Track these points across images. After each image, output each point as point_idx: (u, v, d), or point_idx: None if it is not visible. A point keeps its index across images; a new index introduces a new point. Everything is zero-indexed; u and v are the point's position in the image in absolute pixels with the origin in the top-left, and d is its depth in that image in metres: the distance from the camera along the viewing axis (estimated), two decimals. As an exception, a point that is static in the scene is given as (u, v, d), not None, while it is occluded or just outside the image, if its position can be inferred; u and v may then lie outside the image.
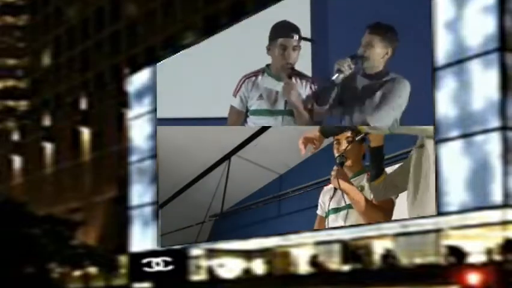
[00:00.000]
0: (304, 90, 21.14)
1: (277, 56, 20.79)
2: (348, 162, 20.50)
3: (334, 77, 20.54)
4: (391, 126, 20.39)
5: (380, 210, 20.58)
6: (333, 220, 21.58)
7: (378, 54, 20.42)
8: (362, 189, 20.54)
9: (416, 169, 19.96)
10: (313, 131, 20.37)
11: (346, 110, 21.11)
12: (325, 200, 21.65)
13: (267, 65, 21.27)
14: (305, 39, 20.92)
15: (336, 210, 21.30)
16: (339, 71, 20.42)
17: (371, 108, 20.80)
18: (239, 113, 21.51)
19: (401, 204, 20.89)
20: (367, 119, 20.80)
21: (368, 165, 20.62)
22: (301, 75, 21.14)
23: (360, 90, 20.84)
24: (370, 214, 20.60)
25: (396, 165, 20.82)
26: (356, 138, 20.16)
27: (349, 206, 20.94)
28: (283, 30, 20.77)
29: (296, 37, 20.72)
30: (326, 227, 22.12)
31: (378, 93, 20.73)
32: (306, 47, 21.20)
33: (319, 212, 21.93)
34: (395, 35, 20.49)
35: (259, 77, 21.32)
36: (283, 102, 21.11)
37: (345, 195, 20.74)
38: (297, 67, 21.00)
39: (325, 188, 21.73)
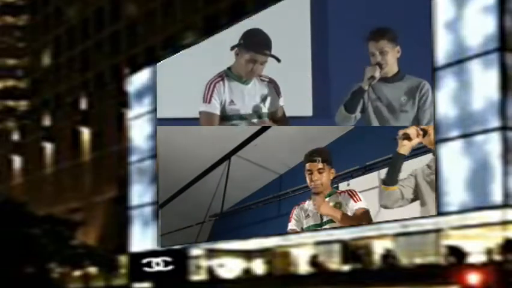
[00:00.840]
0: (266, 91, 21.42)
1: (244, 65, 21.00)
2: (322, 188, 21.29)
3: (363, 83, 20.85)
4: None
5: (359, 220, 21.34)
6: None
7: (391, 57, 20.82)
8: (340, 205, 21.33)
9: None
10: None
11: (373, 116, 21.35)
12: (301, 216, 22.24)
13: (229, 68, 21.40)
14: (274, 57, 21.07)
15: (317, 225, 21.93)
16: (372, 77, 20.74)
17: (397, 112, 21.06)
18: (214, 117, 21.55)
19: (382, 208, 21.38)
20: (393, 123, 21.03)
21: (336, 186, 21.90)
22: (260, 77, 21.42)
23: (385, 95, 21.10)
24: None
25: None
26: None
27: (329, 221, 21.64)
28: (257, 44, 20.90)
29: (268, 53, 20.93)
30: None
31: (404, 97, 21.00)
32: (273, 62, 21.31)
33: (293, 226, 22.43)
34: (395, 34, 20.83)
35: (226, 81, 21.46)
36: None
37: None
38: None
39: (298, 206, 22.29)
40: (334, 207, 21.27)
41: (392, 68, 21.02)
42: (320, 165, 21.13)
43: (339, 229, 24.50)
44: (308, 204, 22.02)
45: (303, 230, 22.35)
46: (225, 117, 21.48)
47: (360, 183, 23.45)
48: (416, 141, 19.96)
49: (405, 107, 21.12)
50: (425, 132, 20.22)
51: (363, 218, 21.27)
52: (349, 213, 21.14)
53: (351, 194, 21.37)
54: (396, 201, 20.69)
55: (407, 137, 19.74)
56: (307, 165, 21.38)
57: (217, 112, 21.43)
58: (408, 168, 20.97)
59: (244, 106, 21.42)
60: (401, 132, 20.03)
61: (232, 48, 21.09)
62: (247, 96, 21.37)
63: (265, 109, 21.60)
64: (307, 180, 21.54)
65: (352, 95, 21.24)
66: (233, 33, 25.76)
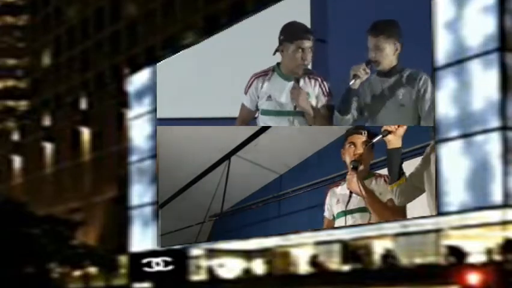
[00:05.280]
0: (313, 89, 21.12)
1: (293, 57, 20.63)
2: (361, 167, 20.07)
3: (351, 83, 20.57)
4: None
5: (395, 211, 20.19)
6: (341, 223, 21.21)
7: (389, 53, 20.36)
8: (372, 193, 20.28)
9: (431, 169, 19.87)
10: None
11: (369, 114, 21.06)
12: (332, 203, 21.29)
13: (277, 64, 21.17)
14: (319, 40, 20.91)
15: (345, 213, 20.92)
16: (356, 76, 20.41)
17: (394, 107, 20.74)
18: (249, 111, 21.48)
19: (418, 204, 20.60)
20: (391, 119, 20.68)
21: (376, 166, 20.50)
22: (310, 75, 21.12)
23: (381, 90, 20.80)
24: (386, 216, 20.31)
25: (413, 166, 20.40)
26: (374, 140, 19.83)
27: (360, 210, 20.62)
28: (299, 32, 20.68)
29: (312, 37, 20.73)
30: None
31: (401, 91, 20.67)
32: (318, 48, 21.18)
33: (326, 214, 21.52)
34: (398, 28, 20.40)
35: (269, 77, 21.23)
36: (292, 104, 21.00)
37: (357, 198, 20.40)
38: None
39: (331, 190, 21.39)
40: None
41: (389, 62, 20.59)
42: (364, 139, 19.97)
43: (339, 229, 24.39)
44: (341, 189, 20.70)
45: (334, 219, 21.06)
46: (262, 112, 21.31)
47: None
48: (401, 130, 19.35)
49: (403, 100, 20.72)
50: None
51: (396, 211, 19.89)
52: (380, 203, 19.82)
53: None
54: (412, 193, 19.90)
55: (389, 132, 19.29)
56: (350, 138, 20.13)
57: (248, 105, 21.29)
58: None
59: (282, 102, 21.19)
60: (382, 129, 19.47)
61: (276, 51, 20.83)
62: (287, 93, 21.08)
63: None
64: (348, 155, 20.14)
65: (342, 97, 21.03)
66: (233, 33, 25.83)
